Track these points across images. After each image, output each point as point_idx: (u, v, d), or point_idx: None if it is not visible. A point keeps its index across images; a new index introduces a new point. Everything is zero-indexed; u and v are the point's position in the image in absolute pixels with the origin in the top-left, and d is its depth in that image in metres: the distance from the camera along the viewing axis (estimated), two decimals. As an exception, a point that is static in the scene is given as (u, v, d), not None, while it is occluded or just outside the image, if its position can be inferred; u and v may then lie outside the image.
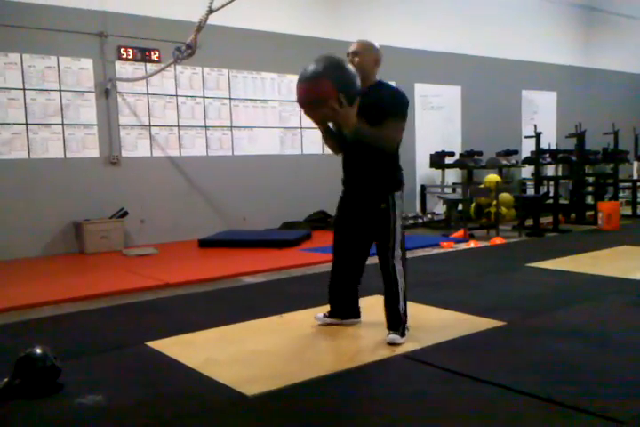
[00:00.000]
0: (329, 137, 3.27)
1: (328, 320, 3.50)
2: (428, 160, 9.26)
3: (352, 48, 3.25)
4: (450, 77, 9.73)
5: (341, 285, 3.44)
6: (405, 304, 3.24)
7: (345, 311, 3.50)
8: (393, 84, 3.27)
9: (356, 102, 2.94)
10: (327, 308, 3.58)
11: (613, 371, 2.69)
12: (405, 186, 3.30)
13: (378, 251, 3.26)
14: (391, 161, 3.23)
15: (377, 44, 3.29)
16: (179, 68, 7.14)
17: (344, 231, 3.37)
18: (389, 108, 3.10)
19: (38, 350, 2.65)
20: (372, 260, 3.35)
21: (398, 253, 3.20)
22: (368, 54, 3.22)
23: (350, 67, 3.01)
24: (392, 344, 3.09)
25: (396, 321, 3.19)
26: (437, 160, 9.16)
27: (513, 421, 2.24)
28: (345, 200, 3.37)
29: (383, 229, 3.19)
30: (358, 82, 2.98)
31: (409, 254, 5.92)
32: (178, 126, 7.32)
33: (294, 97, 3.04)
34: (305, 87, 2.94)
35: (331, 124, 3.24)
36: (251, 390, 2.56)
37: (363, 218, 3.26)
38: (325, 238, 6.71)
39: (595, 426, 2.17)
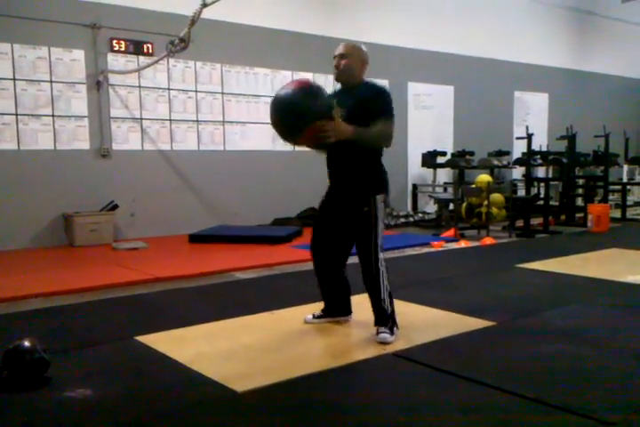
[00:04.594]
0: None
1: (317, 321, 3.49)
2: (419, 159, 9.28)
3: (338, 51, 3.24)
4: (443, 77, 9.75)
5: (328, 283, 3.44)
6: (392, 304, 3.23)
7: (336, 309, 3.50)
8: (386, 82, 3.28)
9: (334, 112, 2.92)
10: (317, 306, 3.58)
11: (602, 372, 2.70)
12: (393, 187, 3.28)
13: (359, 253, 3.24)
14: (375, 163, 3.23)
15: (364, 46, 3.30)
16: (171, 61, 7.09)
17: (323, 230, 3.35)
18: (379, 107, 3.10)
19: (26, 343, 2.63)
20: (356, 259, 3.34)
21: (380, 255, 3.20)
22: (355, 57, 3.21)
23: (316, 87, 2.99)
24: (382, 343, 3.09)
25: (383, 318, 3.20)
26: (429, 159, 9.18)
27: (501, 421, 2.24)
28: (328, 199, 3.35)
29: (365, 231, 3.18)
30: (325, 93, 2.99)
31: (399, 253, 6.02)
32: (170, 120, 7.28)
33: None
34: (300, 137, 2.96)
35: None
36: (241, 386, 2.55)
37: (345, 219, 3.25)
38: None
39: (584, 427, 2.18)
